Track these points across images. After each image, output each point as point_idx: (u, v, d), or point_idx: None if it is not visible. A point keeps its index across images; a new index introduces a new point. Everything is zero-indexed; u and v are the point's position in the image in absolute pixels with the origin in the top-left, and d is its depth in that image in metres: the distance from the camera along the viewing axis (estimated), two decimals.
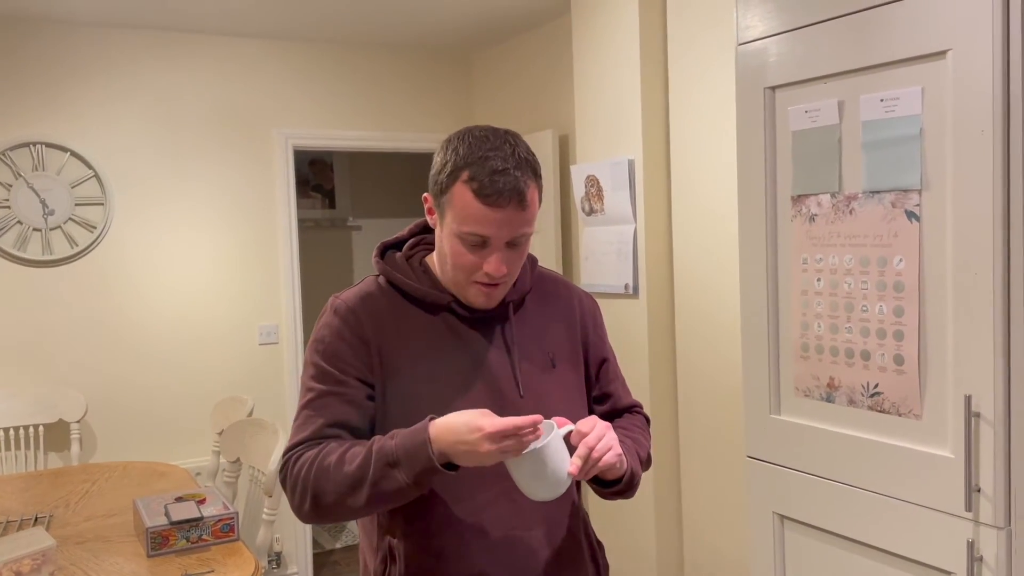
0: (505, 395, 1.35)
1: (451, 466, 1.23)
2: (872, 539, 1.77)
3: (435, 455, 1.20)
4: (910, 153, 1.64)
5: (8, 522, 2.53)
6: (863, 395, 1.77)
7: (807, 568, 1.94)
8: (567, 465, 1.22)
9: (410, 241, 1.46)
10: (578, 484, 1.44)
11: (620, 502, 3.18)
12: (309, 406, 1.34)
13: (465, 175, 1.26)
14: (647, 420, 1.58)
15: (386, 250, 1.46)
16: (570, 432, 1.27)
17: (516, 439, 1.18)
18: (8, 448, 3.40)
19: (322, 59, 4.07)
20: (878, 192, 1.70)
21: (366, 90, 4.18)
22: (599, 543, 1.53)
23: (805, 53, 1.83)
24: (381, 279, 1.42)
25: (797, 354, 1.91)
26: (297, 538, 4.02)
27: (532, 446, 1.19)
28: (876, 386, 1.74)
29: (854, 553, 1.82)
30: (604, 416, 1.49)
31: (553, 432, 1.23)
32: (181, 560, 2.24)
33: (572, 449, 1.27)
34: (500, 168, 1.25)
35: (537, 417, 1.19)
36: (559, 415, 1.31)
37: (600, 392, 1.52)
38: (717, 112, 2.82)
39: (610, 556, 3.32)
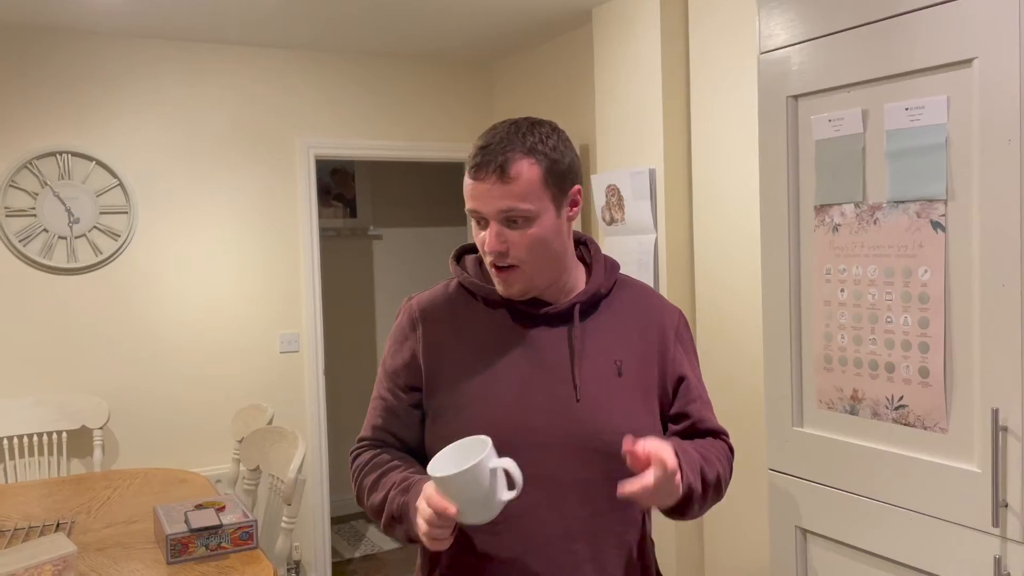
0: (561, 398, 1.33)
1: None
2: (897, 555, 1.74)
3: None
4: (935, 162, 1.61)
5: (30, 528, 2.54)
6: (888, 408, 1.74)
7: None
8: (499, 491, 1.16)
9: None
10: (643, 524, 1.40)
11: None
12: (371, 404, 1.45)
13: (469, 158, 1.33)
14: (731, 449, 1.48)
15: (463, 254, 1.49)
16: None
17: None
18: (32, 454, 3.43)
19: (344, 69, 4.09)
20: (903, 202, 1.68)
21: (388, 100, 4.20)
22: (658, 573, 1.49)
23: (828, 61, 1.81)
24: (454, 282, 1.46)
25: (820, 366, 1.89)
26: (316, 547, 4.03)
27: (459, 468, 1.14)
28: (901, 399, 1.71)
29: (878, 569, 1.79)
30: (682, 438, 1.42)
31: (481, 457, 1.15)
32: (200, 567, 2.24)
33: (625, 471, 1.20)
34: (487, 143, 1.29)
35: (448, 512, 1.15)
36: (616, 424, 1.31)
37: (677, 411, 1.43)
38: (739, 121, 2.80)
39: None
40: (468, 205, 1.32)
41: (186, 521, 2.35)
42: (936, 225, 1.62)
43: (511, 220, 1.28)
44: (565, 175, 1.31)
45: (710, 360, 2.98)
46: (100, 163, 3.58)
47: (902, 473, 1.71)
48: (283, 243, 3.97)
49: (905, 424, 1.71)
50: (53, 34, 3.49)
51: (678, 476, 1.20)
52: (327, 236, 5.32)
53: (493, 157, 1.27)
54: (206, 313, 3.81)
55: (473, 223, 1.35)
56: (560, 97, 3.98)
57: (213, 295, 3.82)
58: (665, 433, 1.43)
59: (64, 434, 3.46)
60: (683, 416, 1.42)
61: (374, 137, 4.17)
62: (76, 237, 3.54)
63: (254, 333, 3.91)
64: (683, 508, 1.29)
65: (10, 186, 3.41)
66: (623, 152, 3.22)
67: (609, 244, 3.29)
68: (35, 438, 3.42)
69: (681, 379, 1.42)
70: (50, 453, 3.47)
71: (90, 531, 2.54)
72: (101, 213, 3.58)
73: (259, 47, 3.89)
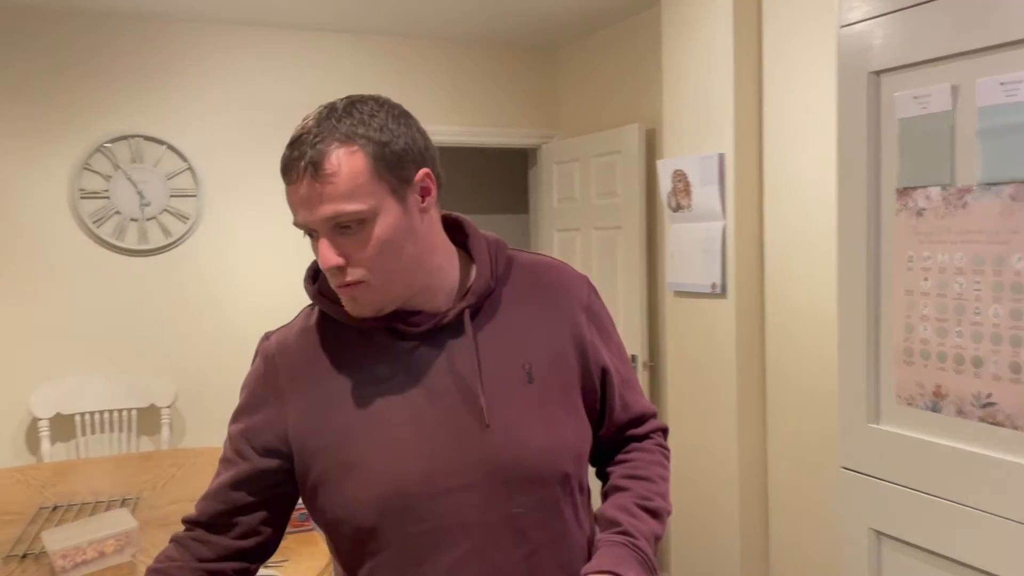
0: (465, 426, 1.09)
1: None
2: (980, 562, 1.63)
3: None
4: None
5: (97, 503, 2.60)
6: (974, 405, 1.63)
7: None
8: None
9: None
10: (589, 545, 1.20)
11: (704, 511, 3.07)
12: (218, 467, 1.17)
13: None
14: (663, 442, 1.30)
15: (319, 271, 1.19)
16: None
17: None
18: (103, 431, 3.52)
19: (408, 54, 4.08)
20: (995, 184, 1.56)
21: (451, 85, 4.17)
22: None
23: (914, 34, 1.70)
24: (316, 310, 1.18)
25: (900, 359, 1.78)
26: None
27: None
28: (989, 396, 1.60)
29: None
30: (606, 439, 1.26)
31: None
32: None
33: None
34: (295, 136, 1.04)
35: None
36: (537, 443, 1.10)
37: (603, 403, 1.24)
38: (816, 102, 2.68)
39: (692, 567, 3.22)
40: (294, 219, 1.06)
41: None
42: None
43: (341, 227, 1.02)
44: (402, 158, 1.04)
45: (778, 351, 2.87)
46: (171, 147, 3.63)
47: (988, 476, 1.60)
48: None
49: (993, 423, 1.59)
50: (125, 20, 3.56)
51: None
52: None
53: (303, 152, 1.01)
54: (270, 295, 3.85)
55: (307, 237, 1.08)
56: (626, 81, 3.88)
57: (277, 277, 3.86)
58: (594, 430, 1.23)
59: (134, 412, 3.54)
60: (614, 408, 1.24)
61: (437, 123, 4.14)
62: (147, 219, 3.60)
63: None
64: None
65: (85, 169, 3.49)
66: (691, 137, 3.12)
67: (675, 231, 3.20)
68: (106, 415, 3.51)
69: (604, 371, 1.21)
70: (120, 430, 3.56)
71: (155, 507, 2.58)
72: (171, 196, 3.64)
73: (326, 32, 3.89)
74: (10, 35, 3.39)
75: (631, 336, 3.73)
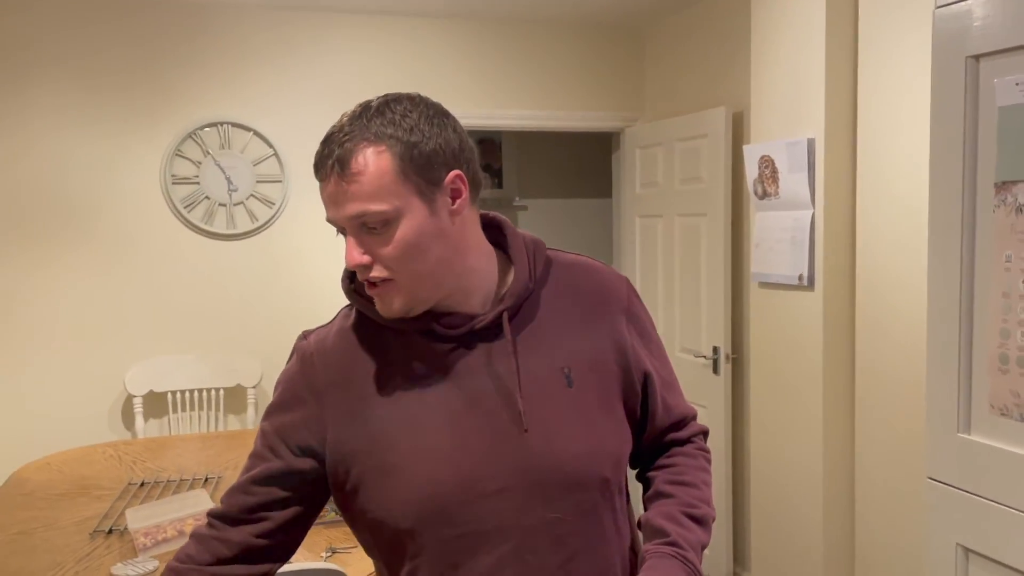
0: (504, 431, 1.07)
1: None
2: None
3: None
4: None
5: (181, 480, 2.70)
6: None
7: None
8: None
9: None
10: (633, 554, 1.19)
11: (786, 512, 2.96)
12: (247, 463, 1.16)
13: None
14: (704, 444, 1.28)
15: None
16: None
17: None
18: (192, 408, 3.66)
19: (488, 37, 4.04)
20: None
21: (533, 68, 4.12)
22: None
23: (1016, 16, 1.56)
24: (353, 310, 1.17)
25: (994, 366, 1.66)
26: None
27: None
28: None
29: None
30: (647, 443, 1.24)
31: None
32: (329, 532, 2.29)
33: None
34: (328, 134, 1.05)
35: None
36: (577, 448, 1.09)
37: (644, 407, 1.22)
38: (914, 87, 2.52)
39: (771, 572, 3.12)
40: (326, 213, 1.07)
41: None
42: None
43: (367, 226, 1.03)
44: (431, 160, 1.03)
45: (868, 348, 2.74)
46: (257, 133, 3.72)
47: None
48: None
49: None
50: (214, 7, 3.64)
51: None
52: None
53: (331, 150, 1.02)
54: None
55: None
56: (713, 62, 3.75)
57: None
58: (635, 434, 1.21)
59: (221, 391, 3.66)
60: (656, 413, 1.22)
61: (519, 107, 4.10)
62: (235, 204, 3.70)
63: None
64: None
65: (176, 155, 3.61)
66: (780, 121, 2.98)
67: (761, 220, 3.08)
68: (195, 394, 3.64)
69: (646, 376, 1.19)
70: (208, 408, 3.69)
71: None
72: (257, 182, 3.73)
73: (403, 16, 3.90)
74: (103, 22, 3.52)
75: (713, 327, 3.62)
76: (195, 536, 1.15)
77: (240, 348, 3.75)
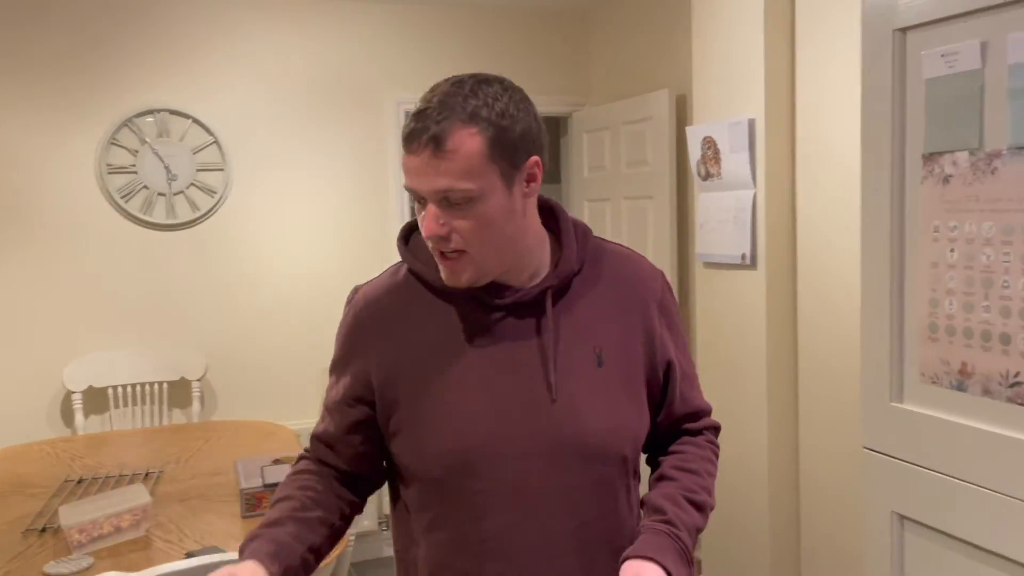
0: (534, 400, 1.16)
1: None
2: (1006, 550, 1.54)
3: None
4: None
5: (120, 476, 2.63)
6: (1001, 384, 1.53)
7: (929, 575, 1.72)
8: None
9: None
10: (638, 515, 1.28)
11: (733, 488, 2.99)
12: (323, 406, 1.31)
13: None
14: (714, 437, 1.36)
15: (412, 232, 1.27)
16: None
17: None
18: (135, 403, 3.57)
19: (436, 22, 4.00)
20: None
21: (480, 53, 4.09)
22: None
23: None
24: (403, 268, 1.25)
25: (924, 335, 1.68)
26: None
27: None
28: (1017, 375, 1.50)
29: (985, 564, 1.59)
30: (660, 427, 1.31)
31: None
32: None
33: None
34: (423, 108, 1.08)
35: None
36: (600, 423, 1.17)
37: (663, 395, 1.30)
38: (848, 64, 2.55)
39: (721, 546, 3.15)
40: (405, 182, 1.12)
41: (261, 476, 2.37)
42: None
43: (450, 201, 1.08)
44: (517, 145, 1.10)
45: (810, 324, 2.77)
46: (196, 120, 3.63)
47: (1016, 459, 1.51)
48: (376, 200, 3.96)
49: (1021, 404, 1.49)
50: None
51: None
52: None
53: (426, 126, 1.06)
54: (299, 268, 3.85)
55: (414, 202, 1.14)
56: (656, 46, 3.76)
57: (306, 250, 3.86)
58: (651, 420, 1.28)
59: (164, 385, 3.58)
60: (674, 401, 1.30)
61: None
62: (174, 194, 3.62)
63: (346, 289, 3.93)
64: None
65: (111, 144, 3.51)
66: (721, 102, 3.00)
67: (704, 200, 3.09)
68: (137, 388, 3.56)
69: (669, 364, 1.27)
70: (152, 403, 3.61)
71: (176, 481, 2.61)
72: (198, 170, 3.65)
73: (348, 0, 3.84)
74: (35, 10, 3.41)
75: None
76: (291, 473, 1.27)
77: (183, 341, 3.67)
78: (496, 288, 1.18)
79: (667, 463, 1.29)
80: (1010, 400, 1.52)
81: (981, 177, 1.54)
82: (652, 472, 1.32)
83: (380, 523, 3.98)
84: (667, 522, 1.18)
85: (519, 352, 1.17)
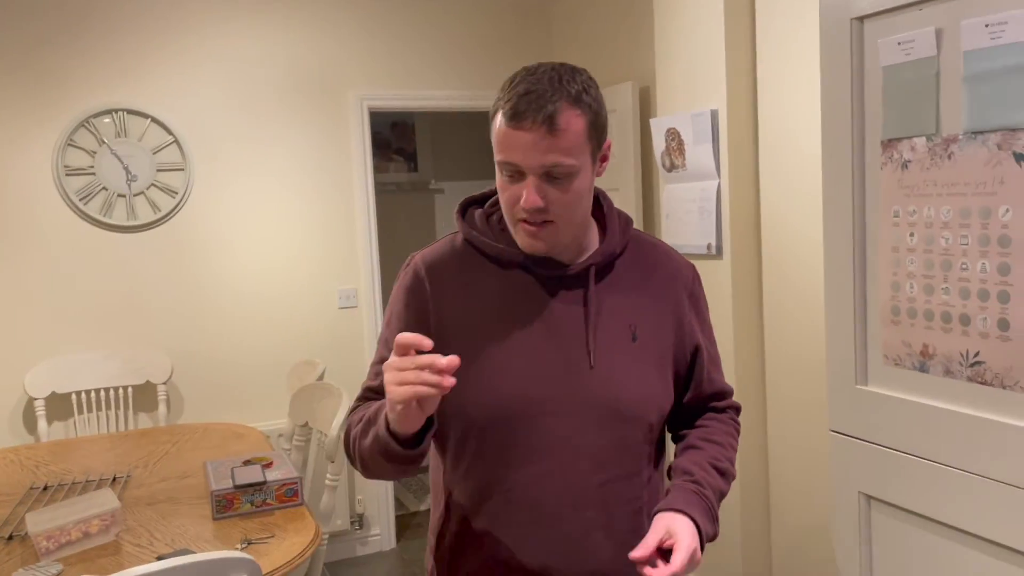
0: (574, 364, 1.27)
1: (416, 442, 1.17)
2: (970, 525, 1.58)
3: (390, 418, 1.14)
4: (1019, 86, 1.41)
5: (87, 481, 2.59)
6: (961, 365, 1.56)
7: (896, 553, 1.75)
8: None
9: (495, 198, 1.37)
10: (663, 475, 1.40)
11: None
12: (371, 369, 1.37)
13: (502, 102, 1.21)
14: (736, 416, 1.48)
15: (468, 206, 1.40)
16: None
17: (417, 370, 1.06)
18: (100, 408, 3.52)
19: (396, 17, 3.98)
20: (981, 133, 1.48)
21: (443, 48, 4.08)
22: None
23: None
24: (459, 237, 1.37)
25: (887, 318, 1.72)
26: (379, 500, 4.04)
27: None
28: (977, 355, 1.53)
29: (950, 540, 1.63)
30: (687, 405, 1.42)
31: None
32: (244, 524, 2.23)
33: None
34: (530, 91, 1.18)
35: (450, 360, 1.06)
36: (630, 391, 1.28)
37: (688, 377, 1.42)
38: (808, 54, 2.58)
39: None
40: (503, 156, 1.20)
41: (232, 477, 2.35)
42: (1019, 158, 1.42)
43: (553, 176, 1.19)
44: (603, 129, 1.24)
45: (776, 311, 2.81)
46: (155, 120, 3.58)
47: (977, 437, 1.54)
48: (340, 198, 3.93)
49: (981, 383, 1.53)
50: None
51: (698, 549, 1.19)
52: (388, 191, 5.28)
53: (540, 105, 1.16)
54: (263, 267, 3.81)
55: (502, 175, 1.23)
56: (619, 38, 3.78)
57: (271, 249, 3.82)
58: (676, 398, 1.40)
59: (129, 389, 3.53)
60: (701, 383, 1.42)
61: (429, 88, 4.06)
62: (135, 195, 3.56)
63: (313, 288, 3.90)
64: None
65: (68, 145, 3.45)
66: (684, 93, 3.02)
67: (669, 191, 3.12)
68: (102, 393, 3.50)
69: (696, 348, 1.39)
70: (117, 407, 3.55)
71: (144, 485, 2.57)
72: (158, 170, 3.59)
73: None
74: None
75: None
76: (354, 411, 1.34)
77: (147, 343, 3.62)
78: (548, 261, 1.29)
79: (694, 435, 1.41)
80: (970, 379, 1.55)
81: (938, 162, 1.57)
82: (679, 444, 1.44)
83: (353, 523, 3.96)
84: (695, 482, 1.29)
85: (563, 320, 1.28)
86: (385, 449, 1.17)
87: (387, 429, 1.16)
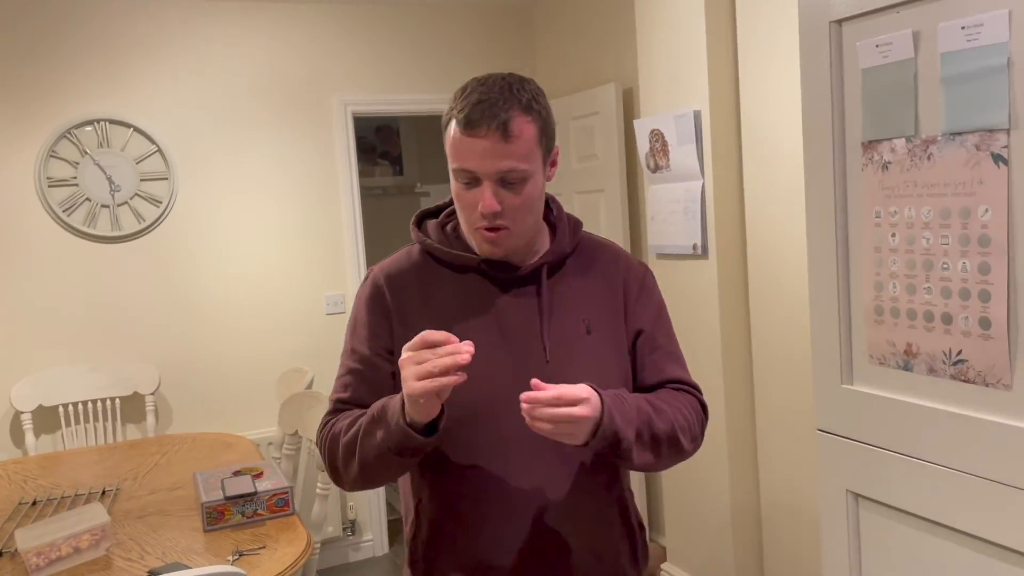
0: (530, 359, 1.32)
1: (430, 431, 1.21)
2: (956, 522, 1.59)
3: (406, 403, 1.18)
4: (996, 87, 1.42)
5: (76, 495, 2.58)
6: (944, 363, 1.58)
7: (884, 551, 1.77)
8: None
9: (448, 209, 1.44)
10: (623, 501, 1.42)
11: (695, 475, 3.04)
12: (338, 381, 1.39)
13: (456, 111, 1.26)
14: (698, 400, 1.45)
15: (424, 219, 1.45)
16: None
17: (436, 361, 1.11)
18: (88, 420, 3.50)
19: (378, 21, 3.98)
20: (960, 134, 1.50)
21: (426, 51, 4.08)
22: (640, 524, 1.48)
23: None
24: (416, 248, 1.42)
25: (870, 318, 1.73)
26: (371, 505, 4.04)
27: None
28: (959, 353, 1.55)
29: (936, 536, 1.65)
30: (643, 391, 1.41)
31: None
32: (235, 535, 2.23)
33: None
34: (483, 99, 1.23)
35: (467, 345, 1.12)
36: (586, 381, 1.25)
37: (639, 363, 1.43)
38: (789, 55, 2.60)
39: (682, 531, 3.20)
40: (459, 163, 1.25)
41: (222, 488, 2.35)
42: (997, 158, 1.44)
43: (507, 181, 1.25)
44: (552, 135, 1.31)
45: (762, 311, 2.83)
46: (138, 129, 3.56)
47: (961, 434, 1.56)
48: (326, 203, 3.92)
49: (964, 380, 1.55)
50: (81, 1, 3.46)
51: (592, 419, 1.18)
52: (374, 195, 5.27)
53: (494, 113, 1.21)
54: (252, 275, 3.80)
55: (458, 182, 1.28)
56: (601, 40, 3.79)
57: (258, 257, 3.81)
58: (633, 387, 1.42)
59: (117, 400, 3.51)
60: (644, 368, 1.42)
61: (412, 91, 4.06)
62: (118, 205, 3.55)
63: (300, 295, 3.90)
64: (620, 455, 1.25)
65: (51, 156, 3.43)
66: (667, 95, 3.04)
67: (654, 192, 3.13)
68: (89, 405, 3.48)
69: (639, 332, 1.42)
70: (105, 419, 3.54)
71: (134, 498, 2.56)
72: (142, 180, 3.58)
73: (285, 2, 3.80)
74: None
75: None
76: (328, 424, 1.35)
77: (135, 354, 3.60)
78: (501, 264, 1.34)
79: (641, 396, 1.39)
80: (954, 377, 1.57)
81: (918, 163, 1.59)
82: None
83: (344, 529, 3.96)
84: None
85: (518, 319, 1.33)
86: (401, 443, 1.19)
87: (404, 423, 1.18)
